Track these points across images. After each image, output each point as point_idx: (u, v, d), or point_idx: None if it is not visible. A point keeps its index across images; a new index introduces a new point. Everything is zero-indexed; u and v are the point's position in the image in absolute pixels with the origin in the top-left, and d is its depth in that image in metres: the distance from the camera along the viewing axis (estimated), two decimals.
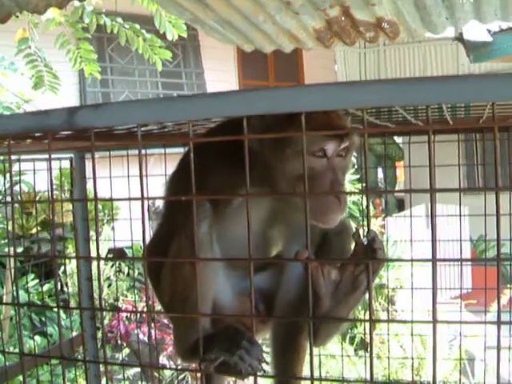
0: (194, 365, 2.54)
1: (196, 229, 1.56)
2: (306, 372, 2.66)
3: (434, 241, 1.20)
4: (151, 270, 2.32)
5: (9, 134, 1.51)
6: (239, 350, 1.92)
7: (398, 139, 14.21)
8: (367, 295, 1.94)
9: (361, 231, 1.93)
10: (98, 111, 1.36)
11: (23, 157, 3.79)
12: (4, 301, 5.81)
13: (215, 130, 2.39)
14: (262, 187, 2.11)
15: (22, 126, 1.45)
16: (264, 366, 1.94)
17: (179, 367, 5.88)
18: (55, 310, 7.29)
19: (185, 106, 1.28)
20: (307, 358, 2.54)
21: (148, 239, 2.18)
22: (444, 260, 1.14)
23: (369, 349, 1.29)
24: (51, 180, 1.51)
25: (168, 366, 6.86)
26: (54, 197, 5.53)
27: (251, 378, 1.90)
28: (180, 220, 2.06)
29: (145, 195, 1.38)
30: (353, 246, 1.92)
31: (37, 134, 2.03)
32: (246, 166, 1.30)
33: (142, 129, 2.57)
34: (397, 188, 15.41)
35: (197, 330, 2.00)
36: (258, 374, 1.90)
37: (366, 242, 1.80)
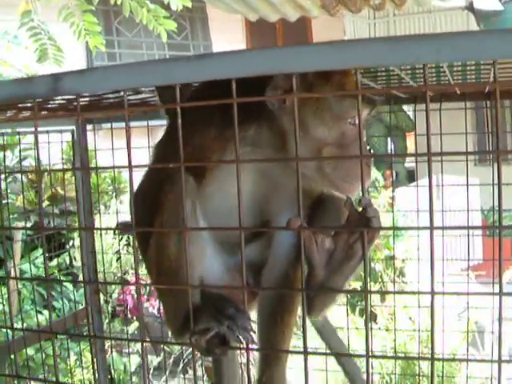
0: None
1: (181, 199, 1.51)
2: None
3: (431, 209, 1.15)
4: (139, 242, 2.27)
5: None
6: (227, 319, 1.88)
7: (409, 111, 14.10)
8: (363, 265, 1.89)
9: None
10: (83, 77, 1.31)
11: (23, 129, 3.76)
12: (12, 275, 5.80)
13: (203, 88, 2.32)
14: (255, 147, 2.06)
15: (7, 94, 1.40)
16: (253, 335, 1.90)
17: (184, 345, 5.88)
18: (63, 284, 7.29)
19: (172, 68, 1.22)
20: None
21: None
22: (444, 228, 1.09)
23: (364, 319, 1.25)
24: (37, 148, 1.46)
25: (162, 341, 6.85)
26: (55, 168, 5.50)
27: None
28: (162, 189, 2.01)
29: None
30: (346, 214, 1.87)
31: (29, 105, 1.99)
32: (235, 130, 1.24)
33: (136, 97, 2.53)
34: (408, 160, 15.29)
35: (186, 305, 1.98)
36: (250, 344, 1.86)
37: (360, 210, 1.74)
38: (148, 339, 6.96)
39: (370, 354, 1.19)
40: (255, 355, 2.82)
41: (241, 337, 1.87)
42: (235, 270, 2.26)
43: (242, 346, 1.90)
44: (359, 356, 2.78)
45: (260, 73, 1.20)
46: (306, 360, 1.26)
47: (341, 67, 1.13)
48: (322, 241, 1.92)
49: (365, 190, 1.31)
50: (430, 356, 1.13)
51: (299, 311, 2.40)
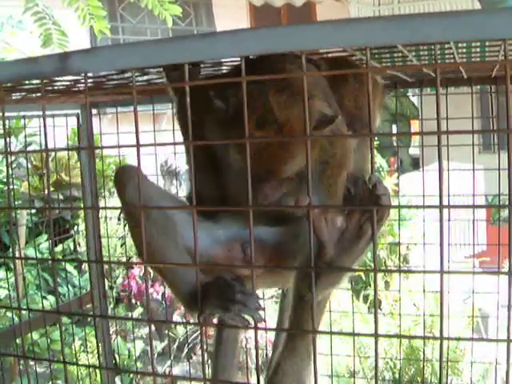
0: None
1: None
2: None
3: (441, 187, 1.14)
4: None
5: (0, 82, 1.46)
6: (234, 304, 1.88)
7: (413, 99, 14.05)
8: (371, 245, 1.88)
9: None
10: (89, 55, 1.31)
11: (33, 113, 3.75)
12: (16, 261, 5.80)
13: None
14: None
15: (13, 74, 1.40)
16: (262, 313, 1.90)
17: (188, 327, 5.89)
18: (68, 269, 7.31)
19: (178, 47, 1.22)
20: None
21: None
22: (452, 207, 1.08)
23: (373, 300, 1.24)
24: (45, 129, 1.46)
25: (170, 321, 6.89)
26: (62, 157, 5.51)
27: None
28: None
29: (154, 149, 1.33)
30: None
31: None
32: (244, 109, 1.24)
33: (142, 78, 2.52)
34: (412, 146, 15.23)
35: (185, 280, 1.99)
36: (259, 324, 1.86)
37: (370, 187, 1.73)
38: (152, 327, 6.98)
39: (378, 333, 1.19)
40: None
41: (251, 317, 1.87)
42: (237, 240, 2.27)
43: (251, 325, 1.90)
44: (368, 335, 2.75)
45: (268, 51, 1.19)
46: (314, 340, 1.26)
47: (350, 45, 1.12)
48: (333, 219, 1.91)
49: (374, 168, 1.30)
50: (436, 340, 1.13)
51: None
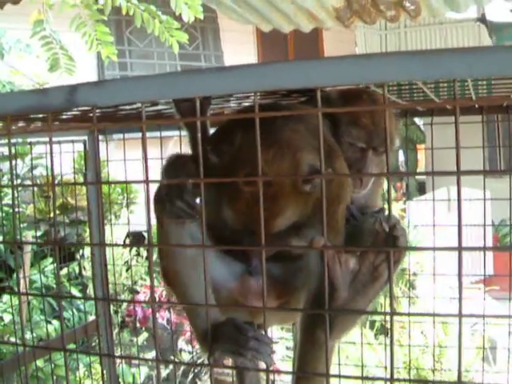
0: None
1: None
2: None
3: (460, 227, 1.11)
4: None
5: (7, 114, 1.43)
6: (247, 351, 1.85)
7: (419, 122, 14.07)
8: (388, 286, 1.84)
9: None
10: (99, 88, 1.28)
11: (39, 139, 3.73)
12: (21, 285, 5.78)
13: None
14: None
15: (21, 106, 1.37)
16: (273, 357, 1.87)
17: (195, 354, 5.85)
18: (73, 292, 7.28)
19: (189, 81, 1.19)
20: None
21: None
22: (469, 249, 1.05)
23: (389, 341, 1.20)
24: (52, 161, 1.43)
25: (169, 360, 6.83)
26: (68, 180, 5.49)
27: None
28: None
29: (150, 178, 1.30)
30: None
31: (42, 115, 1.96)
32: (258, 143, 1.21)
33: (151, 108, 2.49)
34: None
35: (202, 317, 1.97)
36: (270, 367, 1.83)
37: (386, 229, 1.70)
38: (160, 355, 6.92)
39: (394, 378, 1.14)
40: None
41: (263, 361, 1.85)
42: (249, 273, 2.25)
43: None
44: (382, 379, 2.69)
45: (281, 86, 1.17)
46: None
47: (373, 81, 1.09)
48: (347, 261, 1.87)
49: (391, 209, 1.27)
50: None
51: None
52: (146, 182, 1.26)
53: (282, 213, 1.99)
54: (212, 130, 2.40)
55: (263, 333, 1.96)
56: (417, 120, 13.61)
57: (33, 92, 1.38)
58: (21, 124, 2.90)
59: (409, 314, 4.20)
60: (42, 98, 1.34)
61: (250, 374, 2.76)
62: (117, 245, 1.44)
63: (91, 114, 1.96)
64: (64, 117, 2.58)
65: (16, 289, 6.55)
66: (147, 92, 1.22)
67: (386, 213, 2.45)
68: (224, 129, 2.30)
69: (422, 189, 14.80)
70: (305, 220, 2.09)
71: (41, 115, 2.33)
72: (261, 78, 1.13)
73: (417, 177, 15.06)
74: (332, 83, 1.10)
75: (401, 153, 14.82)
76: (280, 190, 1.96)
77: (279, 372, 2.31)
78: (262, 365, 1.91)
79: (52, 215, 7.21)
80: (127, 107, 2.36)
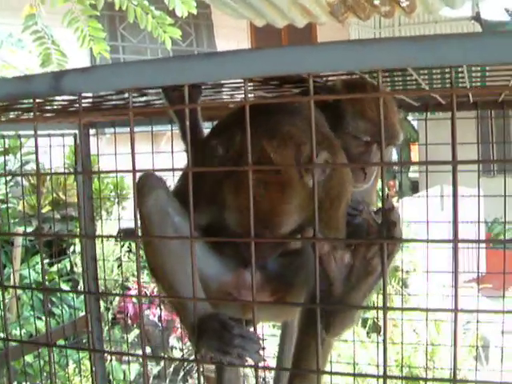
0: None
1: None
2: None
3: (456, 218, 1.08)
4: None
5: None
6: (233, 348, 1.82)
7: (413, 122, 14.06)
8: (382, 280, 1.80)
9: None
10: (85, 74, 1.24)
11: (24, 132, 3.69)
12: (12, 280, 5.74)
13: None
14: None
15: (5, 93, 1.33)
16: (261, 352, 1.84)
17: (185, 351, 5.82)
18: (63, 288, 7.24)
19: (180, 67, 1.15)
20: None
21: None
22: (465, 241, 1.01)
23: (382, 337, 1.17)
24: (37, 151, 1.39)
25: (159, 356, 6.80)
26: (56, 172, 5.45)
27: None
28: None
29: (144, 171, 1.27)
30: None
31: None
32: (247, 134, 1.17)
33: (140, 99, 2.46)
34: (411, 170, 15.25)
35: (189, 309, 1.95)
36: (259, 364, 1.79)
37: (381, 216, 1.66)
38: (149, 348, 6.89)
39: (388, 375, 1.11)
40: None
41: (250, 359, 1.81)
42: (243, 266, 2.22)
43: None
44: (375, 377, 2.68)
45: (273, 73, 1.13)
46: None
47: (367, 67, 1.06)
48: (342, 256, 1.83)
49: (385, 194, 1.24)
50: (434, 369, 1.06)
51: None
52: (133, 171, 1.22)
53: (288, 205, 1.95)
54: (210, 131, 2.38)
55: (251, 329, 1.92)
56: (410, 119, 13.64)
57: (17, 79, 1.34)
58: (11, 116, 2.86)
59: (402, 309, 4.18)
60: (26, 85, 1.30)
61: (229, 370, 2.73)
62: (105, 236, 1.40)
63: (78, 104, 1.93)
64: (52, 108, 2.55)
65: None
66: (135, 78, 1.17)
67: (379, 204, 2.44)
68: (225, 122, 2.28)
69: (415, 188, 14.81)
70: (308, 222, 2.05)
71: (29, 105, 2.29)
72: (253, 64, 1.09)
73: (410, 175, 15.06)
74: (325, 69, 1.06)
75: (394, 151, 14.86)
76: (287, 178, 1.94)
77: (269, 369, 2.27)
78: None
79: (44, 210, 7.17)
80: (114, 97, 2.32)
